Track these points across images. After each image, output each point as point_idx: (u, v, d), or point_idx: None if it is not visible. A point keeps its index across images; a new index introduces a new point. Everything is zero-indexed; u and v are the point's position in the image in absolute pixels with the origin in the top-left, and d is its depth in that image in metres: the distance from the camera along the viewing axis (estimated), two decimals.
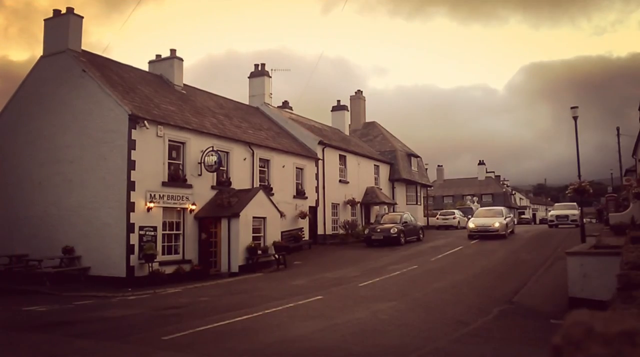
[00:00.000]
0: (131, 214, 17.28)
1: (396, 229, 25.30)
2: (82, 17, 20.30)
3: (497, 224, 25.95)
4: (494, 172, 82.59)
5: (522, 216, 69.30)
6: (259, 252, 20.34)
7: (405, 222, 26.93)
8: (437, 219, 40.75)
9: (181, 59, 24.74)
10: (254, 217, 20.52)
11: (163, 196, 18.60)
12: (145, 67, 24.56)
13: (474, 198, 65.86)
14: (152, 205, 17.96)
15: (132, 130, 17.61)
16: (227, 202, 19.97)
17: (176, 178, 19.34)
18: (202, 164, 20.31)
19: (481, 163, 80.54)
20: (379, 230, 25.82)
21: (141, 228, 17.55)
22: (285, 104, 35.74)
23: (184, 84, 24.99)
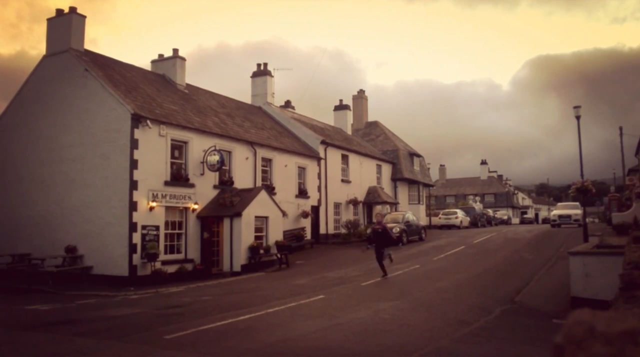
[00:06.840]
0: (133, 213, 17.31)
1: (398, 229, 25.26)
2: (85, 17, 20.35)
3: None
4: (496, 171, 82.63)
5: (525, 216, 69.47)
6: (261, 251, 20.37)
7: (408, 221, 26.90)
8: (440, 218, 40.78)
9: (184, 59, 24.78)
10: (256, 217, 20.54)
11: (165, 195, 18.63)
12: (135, 59, 24.74)
13: (476, 198, 65.82)
14: (154, 204, 17.99)
15: (135, 129, 17.65)
16: (229, 202, 20.00)
17: (178, 177, 19.37)
18: (205, 164, 20.34)
19: (483, 163, 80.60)
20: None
21: (143, 227, 17.58)
22: (287, 104, 35.77)
23: (187, 84, 25.04)
